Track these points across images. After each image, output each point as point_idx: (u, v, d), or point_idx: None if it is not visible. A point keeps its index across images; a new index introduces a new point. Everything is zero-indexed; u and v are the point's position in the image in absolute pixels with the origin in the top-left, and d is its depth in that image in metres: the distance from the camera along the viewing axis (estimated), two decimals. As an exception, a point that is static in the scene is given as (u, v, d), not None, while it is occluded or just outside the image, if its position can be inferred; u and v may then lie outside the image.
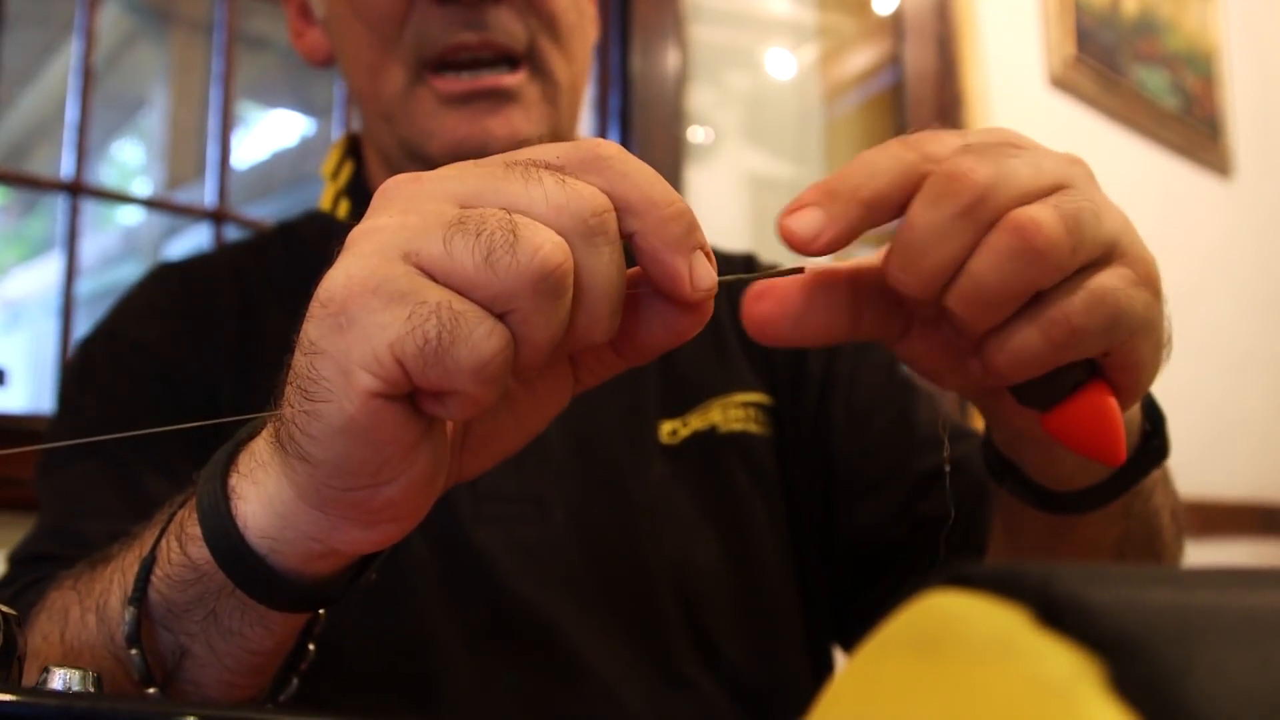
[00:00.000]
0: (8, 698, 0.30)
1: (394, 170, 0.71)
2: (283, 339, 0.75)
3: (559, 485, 0.66)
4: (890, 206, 0.35)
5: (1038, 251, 0.33)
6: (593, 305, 0.33)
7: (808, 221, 0.35)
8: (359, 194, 0.73)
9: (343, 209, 0.73)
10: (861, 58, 2.20)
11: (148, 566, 0.41)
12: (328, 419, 0.32)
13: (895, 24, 2.11)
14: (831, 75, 2.18)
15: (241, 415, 0.39)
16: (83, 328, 0.73)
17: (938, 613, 0.19)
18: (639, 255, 0.34)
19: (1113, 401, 0.37)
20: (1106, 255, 0.35)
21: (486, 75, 0.64)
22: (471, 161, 0.34)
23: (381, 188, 0.35)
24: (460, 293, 0.31)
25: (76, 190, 1.33)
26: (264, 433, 0.38)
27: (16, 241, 2.78)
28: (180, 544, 0.40)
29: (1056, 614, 0.17)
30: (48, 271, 2.28)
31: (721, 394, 0.71)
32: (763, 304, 0.38)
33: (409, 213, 0.32)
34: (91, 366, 0.68)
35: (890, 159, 0.35)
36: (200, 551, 0.38)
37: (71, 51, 1.36)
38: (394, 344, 0.30)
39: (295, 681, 0.45)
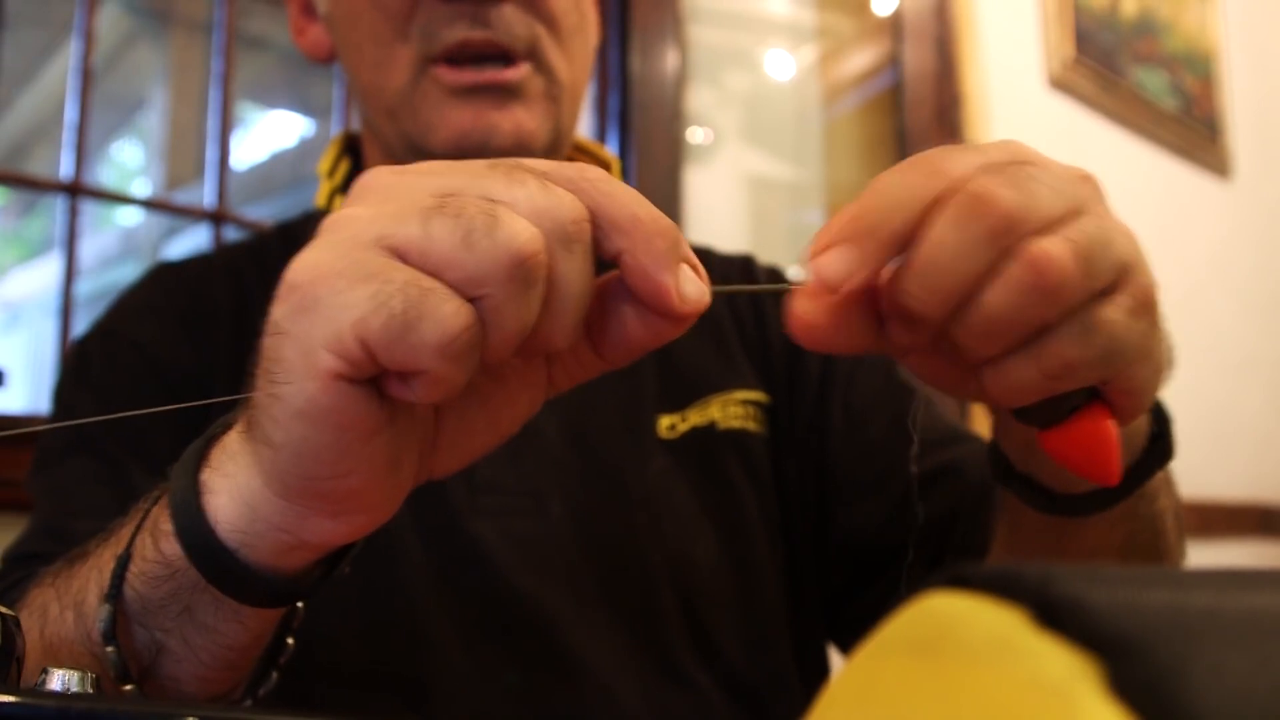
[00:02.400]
0: (6, 698, 0.30)
1: (394, 163, 0.70)
2: None
3: (556, 478, 0.66)
4: (910, 238, 0.35)
5: (1051, 287, 0.34)
6: (560, 309, 0.33)
7: (837, 264, 0.35)
8: None
9: (337, 206, 0.73)
10: (860, 59, 2.20)
11: (123, 563, 0.41)
12: (288, 400, 0.32)
13: (894, 25, 2.11)
14: (830, 76, 2.19)
15: (230, 404, 0.39)
16: (82, 328, 0.73)
17: (936, 614, 0.19)
18: (626, 274, 0.34)
19: (1110, 425, 0.38)
20: (1111, 285, 0.36)
21: (490, 70, 0.65)
22: (457, 162, 0.34)
23: (361, 179, 0.35)
24: (432, 274, 0.31)
25: (75, 191, 1.33)
26: (236, 426, 0.38)
27: (15, 242, 2.78)
28: (154, 540, 0.40)
29: (1055, 615, 0.17)
30: (47, 272, 2.28)
31: (721, 390, 0.71)
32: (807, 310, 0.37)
33: (387, 202, 0.32)
34: (87, 364, 0.68)
35: (911, 187, 0.35)
36: (173, 547, 0.38)
37: (70, 52, 1.36)
38: (357, 323, 0.30)
39: (275, 676, 0.45)
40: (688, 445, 0.69)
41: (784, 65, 2.13)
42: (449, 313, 0.30)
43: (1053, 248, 0.34)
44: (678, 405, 0.70)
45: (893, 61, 2.11)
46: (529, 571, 0.63)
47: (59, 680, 0.31)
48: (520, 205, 0.32)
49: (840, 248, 0.35)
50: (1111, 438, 0.38)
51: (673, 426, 0.70)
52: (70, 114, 1.33)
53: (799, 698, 0.68)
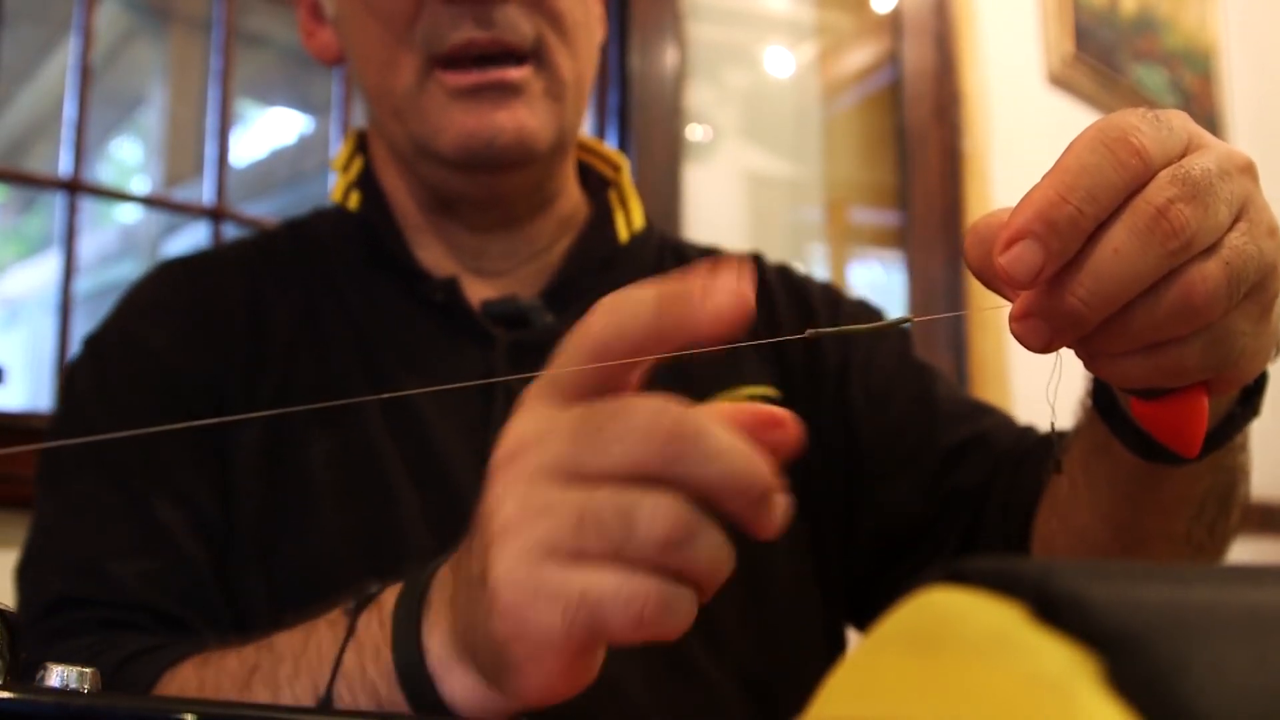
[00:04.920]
0: (6, 695, 0.30)
1: (404, 167, 0.72)
2: (290, 337, 0.74)
3: None
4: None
5: (1198, 312, 0.35)
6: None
7: (1027, 261, 0.34)
8: (368, 187, 0.74)
9: (353, 200, 0.73)
10: (860, 55, 2.19)
11: (333, 676, 0.44)
12: (518, 676, 0.38)
13: (894, 22, 2.11)
14: (830, 73, 2.18)
15: (245, 414, 0.40)
16: (81, 325, 0.72)
17: (935, 609, 0.19)
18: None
19: (1204, 405, 0.38)
20: (1246, 293, 0.36)
21: (493, 70, 0.65)
22: (559, 467, 0.36)
23: (495, 461, 0.38)
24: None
25: (75, 188, 1.32)
26: (442, 627, 0.41)
27: (15, 239, 2.78)
28: (372, 665, 0.43)
29: (1053, 610, 0.17)
30: (46, 269, 2.27)
31: (727, 389, 0.71)
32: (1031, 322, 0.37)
33: (532, 503, 0.36)
34: (103, 369, 0.67)
35: (1106, 175, 0.34)
36: (387, 675, 0.42)
37: (69, 49, 1.36)
38: (564, 636, 0.36)
39: None
40: None
41: (783, 62, 2.13)
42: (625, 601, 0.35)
43: (1211, 275, 0.34)
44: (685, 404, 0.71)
45: (892, 58, 2.11)
46: None
47: (58, 677, 0.31)
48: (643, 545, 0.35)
49: (1028, 243, 0.34)
50: (1202, 417, 0.38)
51: None
52: (69, 111, 1.33)
53: (811, 688, 0.69)
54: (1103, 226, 0.34)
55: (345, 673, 0.44)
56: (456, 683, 0.41)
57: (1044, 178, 0.35)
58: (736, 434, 0.36)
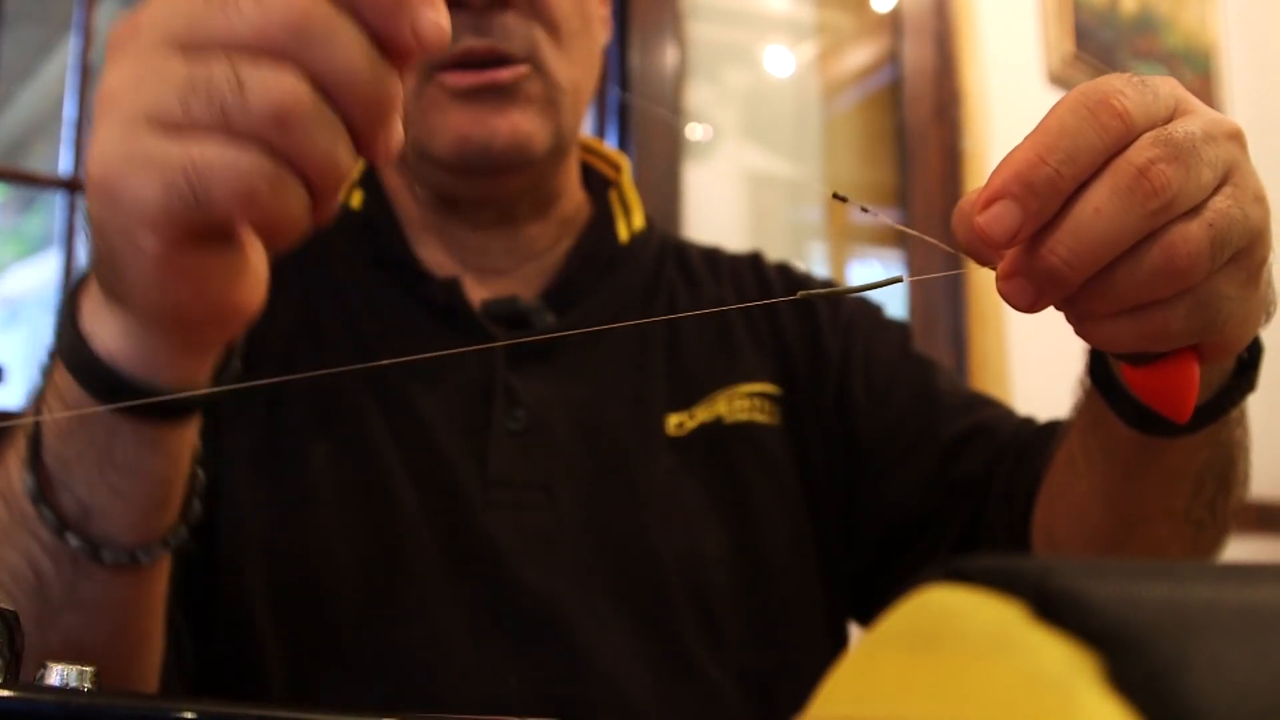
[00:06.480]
0: (6, 694, 0.30)
1: (405, 168, 0.72)
2: (288, 336, 0.75)
3: (567, 473, 0.67)
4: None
5: (1181, 273, 0.35)
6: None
7: (1004, 221, 0.34)
8: (371, 185, 0.74)
9: (356, 199, 0.74)
10: (860, 55, 2.19)
11: (35, 434, 0.44)
12: (135, 276, 0.37)
13: (894, 21, 2.11)
14: (830, 72, 2.18)
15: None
16: (81, 325, 0.72)
17: (935, 607, 0.19)
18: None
19: (1195, 371, 0.39)
20: (1231, 257, 0.36)
21: (490, 70, 0.65)
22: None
23: (108, 41, 0.37)
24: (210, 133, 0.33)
25: (75, 187, 1.32)
26: (91, 285, 0.41)
27: (15, 238, 2.78)
28: (62, 403, 0.42)
29: (1053, 608, 0.17)
30: (46, 268, 2.28)
31: (727, 385, 0.72)
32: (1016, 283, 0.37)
33: (141, 72, 0.35)
34: None
35: (1087, 137, 0.34)
36: (80, 397, 0.41)
37: (69, 49, 1.36)
38: (162, 208, 0.34)
39: (197, 505, 0.49)
40: (696, 442, 0.70)
41: (783, 62, 2.13)
42: (241, 171, 0.33)
43: (1193, 236, 0.34)
44: (685, 404, 0.71)
45: (892, 58, 2.11)
46: (539, 564, 0.64)
47: (57, 676, 0.31)
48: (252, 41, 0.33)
49: (1005, 203, 0.34)
50: (1193, 383, 0.39)
51: (681, 424, 0.70)
52: (69, 110, 1.33)
53: (813, 686, 0.69)
54: (1084, 187, 0.35)
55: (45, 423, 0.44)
56: (106, 332, 0.40)
57: (1024, 139, 0.35)
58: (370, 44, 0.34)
